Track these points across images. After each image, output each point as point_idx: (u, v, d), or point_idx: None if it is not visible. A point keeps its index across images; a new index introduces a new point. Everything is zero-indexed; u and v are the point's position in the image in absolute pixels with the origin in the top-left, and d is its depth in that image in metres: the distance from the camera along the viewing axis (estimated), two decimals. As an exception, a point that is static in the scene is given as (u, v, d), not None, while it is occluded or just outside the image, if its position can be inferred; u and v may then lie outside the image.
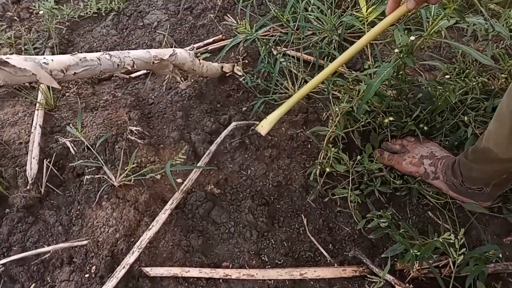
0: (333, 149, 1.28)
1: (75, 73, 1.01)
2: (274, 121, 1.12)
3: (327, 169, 1.27)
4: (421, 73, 1.66)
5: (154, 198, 1.27)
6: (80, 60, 1.02)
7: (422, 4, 0.95)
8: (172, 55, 1.31)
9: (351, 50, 1.07)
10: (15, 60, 0.89)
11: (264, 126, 1.12)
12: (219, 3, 1.88)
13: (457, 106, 1.42)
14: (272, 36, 1.73)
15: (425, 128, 1.40)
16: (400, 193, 1.36)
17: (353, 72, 1.61)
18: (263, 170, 1.38)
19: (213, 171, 1.37)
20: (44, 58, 0.95)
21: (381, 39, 1.67)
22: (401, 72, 1.37)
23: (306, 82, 1.64)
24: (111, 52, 1.12)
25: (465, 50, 1.18)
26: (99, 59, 1.07)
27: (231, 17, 1.85)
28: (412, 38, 1.24)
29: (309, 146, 1.45)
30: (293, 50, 1.70)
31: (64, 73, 0.98)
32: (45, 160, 1.29)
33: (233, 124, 1.39)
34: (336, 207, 1.33)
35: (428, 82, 1.45)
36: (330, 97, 1.48)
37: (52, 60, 0.96)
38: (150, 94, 1.66)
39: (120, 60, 1.13)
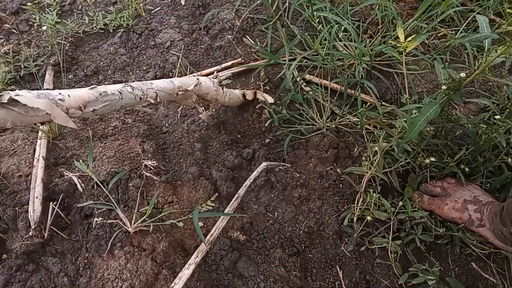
0: (373, 194, 1.15)
1: (94, 109, 0.87)
2: None
3: (368, 217, 1.15)
4: (455, 106, 1.55)
5: (174, 247, 1.12)
6: (100, 94, 0.88)
7: None
8: (197, 85, 1.17)
9: None
10: (27, 97, 0.74)
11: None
12: (238, 24, 1.75)
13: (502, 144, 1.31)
14: (294, 60, 1.61)
15: (466, 169, 1.29)
16: (441, 241, 1.24)
17: (387, 105, 1.50)
18: (292, 213, 1.24)
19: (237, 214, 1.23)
20: (60, 94, 0.81)
21: (413, 69, 1.56)
22: (444, 109, 1.26)
23: (333, 112, 1.52)
24: (132, 84, 0.98)
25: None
26: (121, 93, 0.93)
27: (250, 39, 1.72)
28: (463, 75, 1.14)
29: (341, 186, 1.32)
30: (319, 77, 1.59)
31: (82, 111, 0.84)
32: (51, 203, 1.13)
33: (264, 164, 1.25)
34: (373, 257, 1.20)
35: (471, 120, 1.34)
36: (364, 133, 1.36)
37: (69, 95, 0.82)
38: (164, 122, 1.51)
39: (143, 92, 1.00)
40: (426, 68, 1.59)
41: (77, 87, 1.64)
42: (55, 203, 1.14)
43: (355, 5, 1.75)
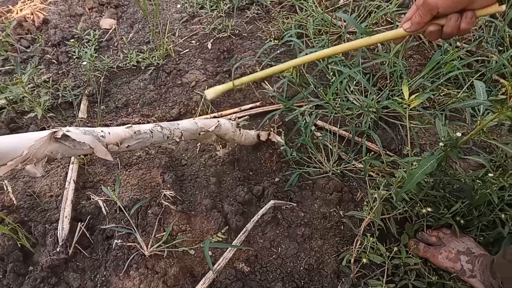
0: (370, 238, 1.25)
1: (128, 146, 1.01)
2: (219, 92, 1.02)
3: (364, 260, 1.23)
4: (456, 161, 1.65)
5: (183, 272, 1.22)
6: (135, 133, 1.03)
7: (425, 27, 0.81)
8: (217, 126, 1.31)
9: (348, 46, 0.98)
10: (75, 134, 0.89)
11: (209, 93, 1.00)
12: (258, 70, 1.92)
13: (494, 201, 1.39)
14: (306, 106, 1.75)
15: (462, 221, 1.37)
16: (434, 288, 1.31)
17: (389, 154, 1.61)
18: (294, 250, 1.34)
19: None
20: (102, 131, 0.95)
21: (418, 124, 1.68)
22: (442, 163, 1.37)
23: (340, 157, 1.64)
24: (162, 124, 1.13)
25: (507, 151, 1.17)
26: (152, 132, 1.08)
27: (268, 84, 1.88)
28: (459, 134, 1.25)
29: (342, 227, 1.42)
30: (329, 124, 1.71)
31: (118, 146, 0.98)
32: (79, 223, 1.26)
33: (271, 202, 1.36)
34: (368, 298, 1.28)
35: (468, 175, 1.44)
36: (367, 179, 1.47)
37: (109, 133, 0.97)
38: (184, 155, 1.65)
39: (170, 132, 1.14)
40: (430, 123, 1.70)
41: (108, 117, 1.81)
42: (82, 223, 1.27)
43: (367, 58, 1.90)
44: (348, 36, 1.98)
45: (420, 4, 0.76)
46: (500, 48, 1.87)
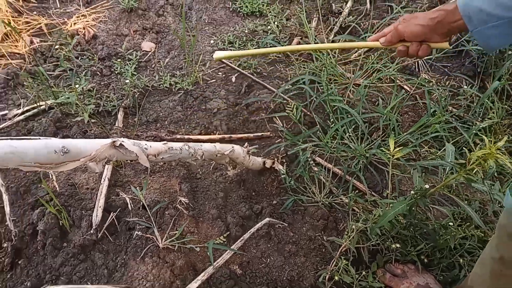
0: (344, 261, 1.51)
1: (162, 158, 1.31)
2: (227, 57, 1.25)
3: (336, 277, 1.49)
4: (430, 210, 1.91)
5: (188, 265, 1.50)
6: (169, 149, 1.33)
7: (395, 45, 1.11)
8: (231, 151, 1.61)
9: (329, 46, 1.47)
10: (128, 144, 1.19)
11: (218, 55, 1.21)
12: (272, 107, 2.23)
13: (456, 247, 1.65)
14: (307, 144, 2.04)
15: (425, 260, 1.63)
16: (393, 312, 1.55)
17: (373, 194, 1.88)
18: (280, 262, 1.60)
19: (239, 252, 1.60)
20: (146, 144, 1.25)
21: (402, 171, 1.95)
22: (413, 209, 1.63)
23: (331, 191, 1.91)
24: (189, 144, 1.43)
25: (468, 212, 1.44)
26: (181, 149, 1.38)
27: (279, 120, 2.18)
28: (427, 186, 1.52)
29: (324, 250, 1.68)
30: (325, 161, 2.00)
31: (155, 157, 1.28)
32: (110, 213, 1.56)
33: (267, 219, 1.64)
34: (336, 312, 1.53)
35: (434, 222, 1.70)
36: (350, 213, 1.74)
37: (151, 146, 1.27)
38: (199, 170, 1.95)
39: (194, 151, 1.44)
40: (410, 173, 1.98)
41: (139, 129, 2.13)
42: (113, 214, 1.56)
43: (367, 109, 2.20)
44: (352, 88, 2.29)
45: (394, 28, 1.08)
46: (485, 117, 2.15)
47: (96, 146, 1.10)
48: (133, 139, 1.67)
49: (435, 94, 2.23)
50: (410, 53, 1.08)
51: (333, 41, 2.59)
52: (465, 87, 2.20)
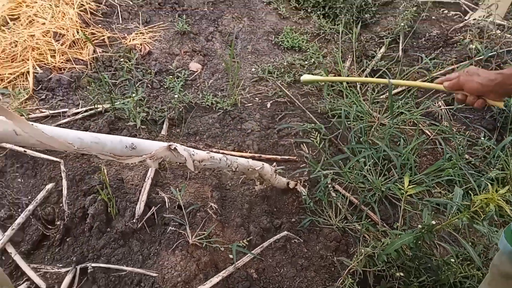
0: (350, 280, 1.67)
1: (204, 164, 1.54)
2: (312, 81, 1.47)
3: (341, 293, 1.66)
4: (437, 247, 2.04)
5: (211, 262, 1.70)
6: (211, 157, 1.56)
7: (456, 91, 1.27)
8: (261, 167, 1.83)
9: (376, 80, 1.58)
10: (180, 149, 1.43)
11: (306, 78, 1.49)
12: (300, 134, 2.45)
13: (456, 284, 1.78)
14: (328, 171, 2.23)
15: (426, 292, 1.77)
16: (391, 334, 1.69)
17: (385, 225, 2.04)
18: (292, 274, 1.78)
19: (256, 259, 1.79)
20: (193, 151, 1.49)
21: (414, 208, 2.11)
22: (419, 242, 1.79)
23: (346, 217, 2.08)
24: (228, 156, 1.66)
25: (469, 252, 1.59)
26: (220, 159, 1.61)
27: (305, 147, 2.40)
28: (433, 222, 1.68)
29: (333, 269, 1.85)
30: (343, 189, 2.18)
31: (199, 163, 1.51)
32: (153, 207, 1.79)
33: (285, 233, 1.84)
34: (338, 325, 1.68)
35: (439, 258, 1.84)
36: (361, 239, 1.91)
37: (197, 153, 1.50)
38: (229, 182, 2.17)
39: (231, 162, 1.66)
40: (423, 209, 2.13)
41: (181, 140, 2.38)
42: (154, 208, 1.79)
43: (388, 147, 2.38)
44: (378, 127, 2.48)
45: (457, 77, 1.24)
46: (497, 168, 2.29)
47: (156, 147, 1.35)
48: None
49: (453, 142, 2.39)
50: (467, 103, 1.25)
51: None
52: (483, 139, 2.36)
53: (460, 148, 2.33)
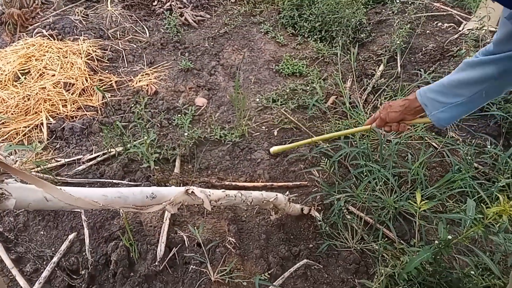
0: (374, 302, 1.69)
1: (221, 203, 1.60)
2: (280, 150, 1.95)
3: (366, 317, 1.67)
4: (456, 259, 2.05)
5: (235, 297, 1.73)
6: (226, 195, 1.62)
7: (383, 126, 1.55)
8: (275, 198, 1.88)
9: (336, 134, 1.97)
10: (197, 191, 1.49)
11: (274, 150, 1.97)
12: (309, 158, 2.50)
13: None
14: (341, 194, 2.26)
15: (450, 306, 1.77)
16: None
17: (402, 242, 2.07)
18: (316, 301, 1.80)
19: (278, 289, 1.82)
20: (209, 191, 1.55)
21: (429, 222, 2.13)
22: (438, 257, 1.81)
23: (363, 238, 2.11)
24: (242, 192, 1.72)
25: (487, 262, 1.61)
26: (235, 196, 1.66)
27: (316, 171, 2.44)
28: (450, 237, 1.70)
29: (355, 292, 1.87)
30: (358, 210, 2.22)
31: (216, 202, 1.57)
32: (174, 248, 1.84)
33: (304, 261, 1.87)
34: None
35: (459, 271, 1.85)
36: (380, 258, 1.93)
37: (213, 193, 1.56)
38: (244, 214, 2.22)
39: (245, 198, 1.72)
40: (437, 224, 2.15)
41: (193, 175, 2.45)
42: (174, 248, 1.84)
43: (397, 164, 2.42)
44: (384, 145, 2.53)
45: (378, 115, 1.54)
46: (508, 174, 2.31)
47: (174, 193, 1.41)
48: (190, 185, 1.99)
49: (461, 152, 2.43)
50: (393, 130, 1.52)
51: (364, 101, 2.88)
52: (489, 146, 2.39)
53: (467, 157, 2.36)
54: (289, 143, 2.59)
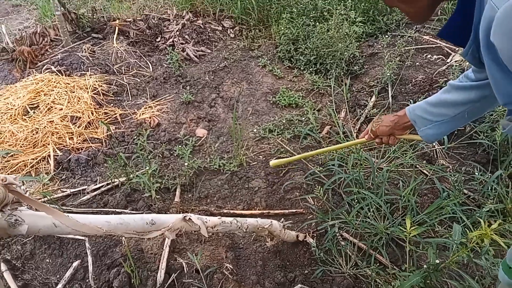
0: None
1: (217, 229, 1.69)
2: (280, 163, 1.95)
3: None
4: (448, 284, 2.11)
5: (232, 322, 1.79)
6: (222, 222, 1.71)
7: (374, 139, 1.67)
8: (270, 225, 1.97)
9: (334, 147, 1.96)
10: (194, 218, 1.59)
11: (274, 163, 1.94)
12: (304, 186, 2.60)
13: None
14: (335, 221, 2.35)
15: (442, 330, 1.82)
16: None
17: (394, 267, 2.13)
18: (310, 325, 1.85)
19: (274, 314, 1.88)
20: (206, 218, 1.65)
21: (420, 247, 2.19)
22: (428, 281, 1.87)
23: (356, 264, 2.18)
24: (238, 218, 1.81)
25: (473, 285, 1.67)
26: (231, 223, 1.76)
27: (310, 199, 2.54)
28: (437, 261, 1.78)
29: (349, 317, 1.92)
30: (351, 236, 2.29)
31: (212, 229, 1.67)
32: (173, 274, 1.92)
33: (299, 286, 1.94)
34: None
35: (449, 294, 1.91)
36: (372, 283, 1.99)
37: (209, 220, 1.66)
38: (241, 241, 2.30)
39: (241, 224, 1.81)
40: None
41: (193, 204, 2.55)
42: (174, 275, 1.92)
43: (389, 191, 2.51)
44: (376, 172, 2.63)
45: (370, 129, 1.64)
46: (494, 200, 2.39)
47: (172, 220, 1.51)
48: (189, 213, 2.08)
49: (450, 180, 2.52)
50: (384, 143, 1.64)
51: (358, 131, 3.01)
52: (477, 173, 2.48)
53: (457, 184, 2.45)
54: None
